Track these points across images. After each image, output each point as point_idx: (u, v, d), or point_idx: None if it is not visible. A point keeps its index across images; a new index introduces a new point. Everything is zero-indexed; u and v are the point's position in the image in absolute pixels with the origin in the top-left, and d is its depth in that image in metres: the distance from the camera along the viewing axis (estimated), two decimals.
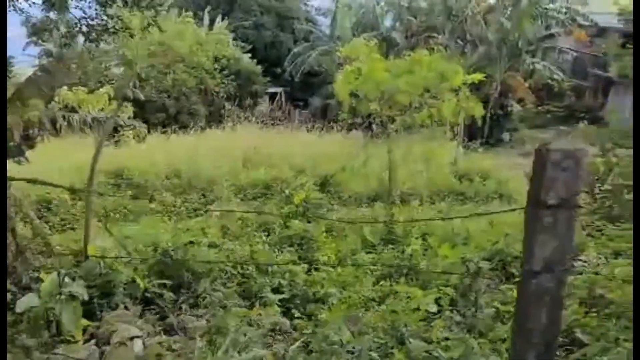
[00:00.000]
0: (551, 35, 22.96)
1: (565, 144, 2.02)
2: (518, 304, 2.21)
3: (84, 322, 3.97)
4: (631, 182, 3.91)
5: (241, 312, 4.30)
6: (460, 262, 4.88)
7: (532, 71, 21.88)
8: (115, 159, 12.27)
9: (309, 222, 8.42)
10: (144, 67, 22.31)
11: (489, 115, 20.37)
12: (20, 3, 6.98)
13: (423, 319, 3.98)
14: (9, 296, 4.12)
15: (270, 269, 5.46)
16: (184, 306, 4.69)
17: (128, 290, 4.91)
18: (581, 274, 6.01)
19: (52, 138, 11.77)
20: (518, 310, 2.21)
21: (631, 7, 22.77)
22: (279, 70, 31.42)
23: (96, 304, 4.55)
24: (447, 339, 3.16)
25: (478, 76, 10.71)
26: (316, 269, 5.81)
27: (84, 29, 6.42)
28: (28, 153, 6.48)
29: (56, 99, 16.94)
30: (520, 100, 21.96)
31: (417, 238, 7.05)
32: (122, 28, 6.44)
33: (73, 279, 4.17)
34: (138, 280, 4.96)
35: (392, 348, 3.02)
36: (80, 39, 7.63)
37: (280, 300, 5.10)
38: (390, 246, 7.46)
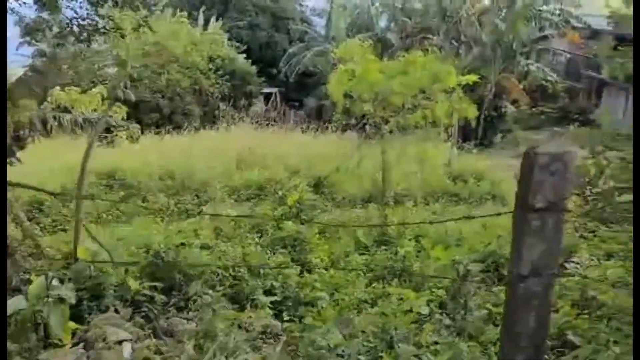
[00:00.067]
0: (545, 37, 23.05)
1: (554, 147, 2.01)
2: (506, 307, 2.20)
3: (72, 325, 3.93)
4: (622, 185, 3.90)
5: (231, 315, 4.27)
6: (457, 263, 4.86)
7: (526, 73, 21.96)
8: (107, 160, 12.16)
9: (302, 223, 8.40)
10: (137, 67, 22.32)
11: (483, 116, 20.43)
12: (11, 3, 6.93)
13: (415, 322, 3.97)
14: None
15: (262, 270, 5.43)
16: (173, 309, 4.65)
17: (118, 293, 4.87)
18: (573, 275, 6.03)
19: (45, 138, 11.73)
20: (506, 314, 2.19)
21: (622, 11, 22.92)
22: (274, 70, 31.37)
23: (85, 307, 4.51)
24: (436, 342, 3.14)
25: (472, 77, 10.73)
26: (309, 271, 5.78)
27: (75, 29, 6.35)
28: (19, 154, 6.43)
29: (49, 99, 16.90)
30: (514, 102, 22.03)
31: (410, 240, 7.04)
32: (113, 28, 6.39)
33: (62, 282, 4.13)
34: (128, 282, 4.92)
35: (382, 352, 3.01)
36: (72, 39, 7.58)
37: (272, 303, 5.07)
38: (384, 247, 7.45)
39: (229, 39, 27.30)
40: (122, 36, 6.67)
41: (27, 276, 5.07)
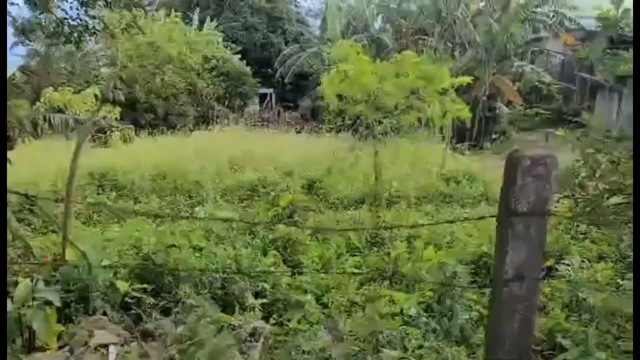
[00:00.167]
0: (539, 39, 23.15)
1: (545, 150, 2.00)
2: (491, 311, 2.19)
3: (59, 328, 3.89)
4: (611, 187, 3.91)
5: (220, 317, 4.24)
6: (445, 265, 4.84)
7: (521, 74, 22.04)
8: (100, 160, 12.14)
9: (295, 225, 8.37)
10: (132, 68, 22.23)
11: (477, 117, 20.49)
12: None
13: (404, 324, 3.95)
14: None
15: (253, 272, 5.40)
16: (158, 311, 4.61)
17: (107, 295, 4.83)
18: (564, 277, 6.04)
19: (42, 138, 11.66)
20: (491, 318, 2.18)
21: (611, 13, 23.08)
22: (269, 71, 31.37)
23: (73, 309, 4.47)
24: (421, 346, 3.12)
25: (465, 79, 10.72)
26: (300, 273, 5.76)
27: (66, 29, 6.32)
28: (8, 154, 6.36)
29: (42, 99, 16.83)
30: (508, 103, 22.10)
31: (402, 241, 7.02)
32: (103, 29, 6.36)
33: (48, 284, 4.09)
34: (117, 284, 4.88)
35: (368, 355, 2.99)
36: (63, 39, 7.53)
37: (262, 305, 5.04)
38: (376, 249, 7.43)
39: (224, 40, 27.27)
40: (112, 36, 6.63)
41: (15, 278, 5.02)
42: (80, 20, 6.32)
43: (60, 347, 3.92)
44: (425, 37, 22.73)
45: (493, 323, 2.13)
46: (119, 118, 16.92)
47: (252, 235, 7.67)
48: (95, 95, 15.65)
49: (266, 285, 5.35)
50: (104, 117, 16.52)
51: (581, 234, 7.66)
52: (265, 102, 31.62)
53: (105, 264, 5.25)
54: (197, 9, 28.11)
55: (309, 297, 4.61)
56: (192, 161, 12.50)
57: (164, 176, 11.48)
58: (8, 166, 6.24)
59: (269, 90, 31.67)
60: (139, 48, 22.53)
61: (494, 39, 20.68)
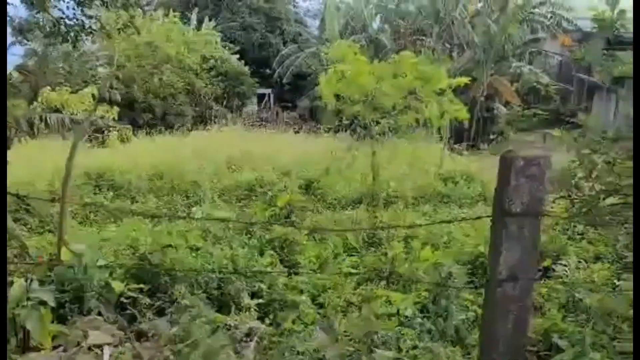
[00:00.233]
0: (537, 40, 23.18)
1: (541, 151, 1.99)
2: (484, 311, 2.18)
3: (53, 328, 3.87)
4: (607, 187, 3.90)
5: (215, 317, 4.23)
6: (440, 266, 4.84)
7: (519, 75, 22.07)
8: (98, 160, 12.13)
9: (293, 224, 8.36)
10: (130, 67, 22.19)
11: (475, 118, 20.50)
12: None
13: (400, 325, 3.94)
14: None
15: (249, 272, 5.39)
16: (153, 312, 4.60)
17: (102, 295, 4.81)
18: (561, 278, 6.04)
19: (39, 138, 11.63)
20: (484, 318, 2.18)
21: (607, 14, 23.15)
22: (267, 71, 31.37)
23: (68, 310, 4.45)
24: (415, 347, 3.12)
25: (463, 80, 10.73)
26: (296, 273, 5.75)
27: (62, 29, 6.30)
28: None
29: (39, 99, 16.79)
30: (506, 104, 22.12)
31: (399, 241, 7.02)
32: (99, 28, 6.34)
33: (43, 284, 4.07)
34: (113, 284, 4.86)
35: (362, 356, 2.98)
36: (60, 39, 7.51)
37: (258, 305, 5.03)
38: (373, 249, 7.43)
39: (223, 40, 27.24)
40: (109, 36, 6.62)
41: (10, 278, 5.00)
42: (77, 19, 6.30)
43: (54, 348, 3.90)
44: (424, 38, 22.74)
45: (487, 323, 2.13)
46: (116, 118, 16.89)
47: (249, 235, 7.67)
48: (93, 95, 15.62)
49: (263, 286, 5.34)
50: (102, 117, 16.52)
51: (578, 234, 7.67)
52: (264, 102, 31.62)
53: (100, 264, 5.23)
54: (196, 9, 28.06)
55: (303, 297, 4.60)
56: (190, 161, 12.49)
57: (161, 176, 11.47)
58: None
59: (267, 91, 31.66)
60: (137, 48, 22.47)
61: (492, 39, 20.71)
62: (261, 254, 6.52)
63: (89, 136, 16.69)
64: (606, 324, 4.61)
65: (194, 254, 5.97)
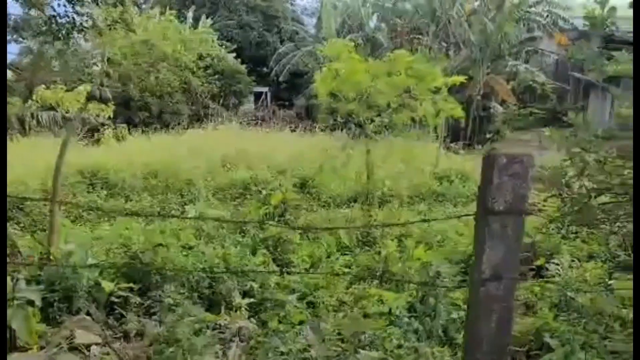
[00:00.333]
0: (533, 39, 23.19)
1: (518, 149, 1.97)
2: (468, 311, 2.16)
3: (40, 328, 3.84)
4: (598, 186, 3.89)
5: (204, 317, 4.20)
6: (430, 264, 4.82)
7: (515, 73, 22.07)
8: (92, 159, 12.07)
9: (287, 223, 8.33)
10: (126, 65, 22.10)
11: (472, 117, 20.51)
12: None
13: (391, 324, 3.92)
14: None
15: (239, 271, 5.36)
16: (143, 311, 4.57)
17: (92, 295, 4.78)
18: (554, 277, 6.03)
19: (32, 136, 11.57)
20: (468, 318, 2.16)
21: (597, 11, 23.18)
22: (264, 70, 31.30)
23: (56, 309, 4.42)
24: (400, 346, 3.09)
25: (458, 79, 10.74)
26: (288, 273, 5.72)
27: (53, 27, 6.25)
28: None
29: (34, 97, 16.70)
30: (503, 102, 22.12)
31: (392, 240, 7.00)
32: (91, 26, 6.29)
33: (31, 284, 4.04)
34: (103, 284, 4.83)
35: (349, 356, 2.96)
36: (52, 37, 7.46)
37: (250, 304, 5.01)
38: (367, 248, 7.41)
39: (220, 38, 27.16)
40: (100, 33, 6.57)
41: None
42: (68, 17, 6.26)
43: (42, 347, 3.87)
44: (420, 36, 22.72)
45: (470, 323, 2.11)
46: (112, 116, 16.82)
47: (243, 234, 7.64)
48: (88, 93, 15.53)
49: (254, 285, 5.31)
50: (97, 115, 16.43)
51: (572, 233, 7.66)
52: (261, 100, 31.56)
53: (91, 262, 5.20)
54: (192, 7, 27.97)
55: (289, 297, 4.57)
56: (185, 159, 12.43)
57: (155, 175, 11.42)
58: None
59: (264, 89, 31.61)
60: (133, 46, 22.41)
61: (489, 38, 20.71)
62: (254, 253, 6.49)
63: (84, 135, 16.63)
64: (598, 323, 4.61)
65: (185, 253, 5.94)
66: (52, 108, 15.63)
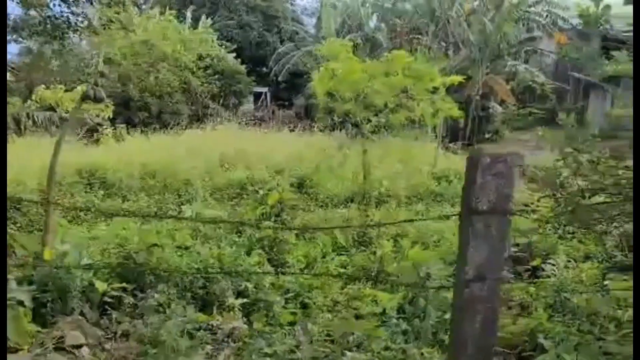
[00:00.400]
0: (532, 38, 23.16)
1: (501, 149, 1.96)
2: (452, 312, 2.15)
3: (32, 328, 3.83)
4: (592, 186, 3.87)
5: (200, 317, 4.20)
6: (418, 266, 4.80)
7: (514, 73, 22.05)
8: (90, 159, 12.07)
9: (283, 223, 8.32)
10: (126, 65, 22.09)
11: (471, 117, 20.49)
12: None
13: (381, 325, 3.90)
14: None
15: (233, 272, 5.35)
16: (135, 312, 4.56)
17: (85, 295, 4.77)
18: (550, 277, 6.01)
19: (30, 136, 11.57)
20: (452, 319, 2.14)
21: (592, 9, 23.15)
22: (264, 70, 31.29)
23: (49, 309, 4.41)
24: (387, 348, 3.08)
25: (456, 78, 10.73)
26: (283, 273, 5.71)
27: (48, 27, 6.25)
28: None
29: (33, 97, 16.73)
30: (502, 103, 22.10)
31: (388, 240, 6.99)
32: (87, 26, 6.29)
33: (21, 284, 4.02)
34: (96, 284, 4.81)
35: (336, 358, 2.94)
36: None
37: (244, 305, 4.99)
38: (363, 248, 7.40)
39: (220, 38, 27.16)
40: (96, 33, 6.57)
41: None
42: (64, 17, 6.25)
43: (33, 349, 3.85)
44: (420, 36, 22.71)
45: (455, 324, 2.09)
46: (111, 116, 16.83)
47: (239, 234, 7.63)
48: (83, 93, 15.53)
49: (249, 285, 5.30)
50: (97, 115, 16.45)
51: (569, 233, 7.64)
52: (260, 100, 31.57)
53: (85, 262, 5.19)
54: (191, 7, 27.97)
55: (277, 297, 4.55)
56: (184, 160, 12.44)
57: (153, 174, 11.43)
58: None
59: (264, 89, 31.61)
60: (133, 46, 22.42)
61: (488, 38, 20.68)
62: (248, 253, 6.47)
63: (84, 135, 16.64)
64: (593, 323, 4.59)
65: (180, 253, 5.92)
66: (51, 108, 15.66)
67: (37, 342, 3.74)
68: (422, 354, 3.05)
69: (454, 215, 2.06)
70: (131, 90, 22.21)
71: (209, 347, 3.50)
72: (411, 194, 10.71)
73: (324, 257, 6.79)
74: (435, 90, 9.78)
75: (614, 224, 4.56)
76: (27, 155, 10.49)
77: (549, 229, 7.58)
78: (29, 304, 3.65)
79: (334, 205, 10.04)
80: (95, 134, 16.93)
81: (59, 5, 6.27)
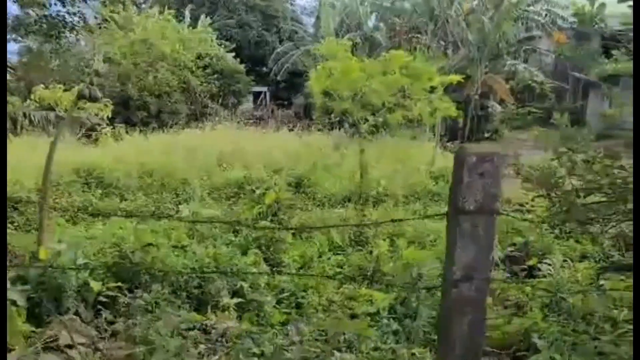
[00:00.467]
0: (531, 38, 23.14)
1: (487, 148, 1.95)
2: (440, 313, 2.14)
3: (26, 328, 3.82)
4: (587, 186, 3.87)
5: (194, 317, 4.19)
6: (410, 266, 4.79)
7: (513, 73, 22.03)
8: (88, 158, 12.07)
9: (280, 222, 8.32)
10: (125, 64, 22.06)
11: (470, 116, 20.47)
12: None
13: (374, 325, 3.90)
14: None
15: (229, 271, 5.34)
16: (130, 311, 4.55)
17: (80, 294, 4.77)
18: (545, 277, 6.00)
19: (28, 135, 11.55)
20: (440, 320, 2.14)
21: (587, 8, 23.13)
22: (263, 69, 31.28)
23: (44, 309, 4.40)
24: (376, 349, 3.07)
25: (455, 78, 10.73)
26: (279, 273, 5.71)
27: (44, 26, 6.25)
28: None
29: (32, 96, 16.71)
30: (501, 102, 22.08)
31: (384, 240, 6.98)
32: (82, 26, 6.28)
33: (15, 284, 4.02)
34: (91, 284, 4.81)
35: (325, 358, 2.93)
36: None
37: (239, 304, 4.99)
38: (360, 248, 7.39)
39: (219, 37, 27.14)
40: (91, 31, 6.56)
41: None
42: (59, 16, 6.25)
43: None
44: (419, 36, 22.67)
45: (443, 324, 2.09)
46: (110, 116, 16.82)
47: (236, 234, 7.63)
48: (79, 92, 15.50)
49: (244, 285, 5.30)
50: (96, 114, 16.41)
51: (566, 233, 7.63)
52: (259, 100, 31.55)
53: (81, 262, 5.19)
54: (190, 6, 27.95)
55: (268, 297, 4.55)
56: (182, 159, 12.44)
57: (151, 174, 11.42)
58: None
59: (263, 89, 31.59)
60: (132, 45, 22.41)
61: (487, 37, 20.66)
62: (245, 252, 6.47)
63: (83, 134, 16.63)
64: (588, 324, 4.58)
65: (176, 253, 5.92)
66: (50, 108, 15.64)
67: (29, 342, 3.74)
68: (413, 354, 3.05)
69: (440, 215, 2.05)
70: (130, 89, 22.19)
71: (202, 346, 3.49)
72: (409, 193, 10.69)
73: (320, 256, 6.78)
74: (433, 89, 9.77)
75: (610, 223, 4.55)
76: (24, 155, 10.48)
77: (546, 229, 7.58)
78: (23, 303, 3.64)
79: (331, 205, 10.03)
80: (94, 134, 16.91)
81: (55, 4, 6.26)
